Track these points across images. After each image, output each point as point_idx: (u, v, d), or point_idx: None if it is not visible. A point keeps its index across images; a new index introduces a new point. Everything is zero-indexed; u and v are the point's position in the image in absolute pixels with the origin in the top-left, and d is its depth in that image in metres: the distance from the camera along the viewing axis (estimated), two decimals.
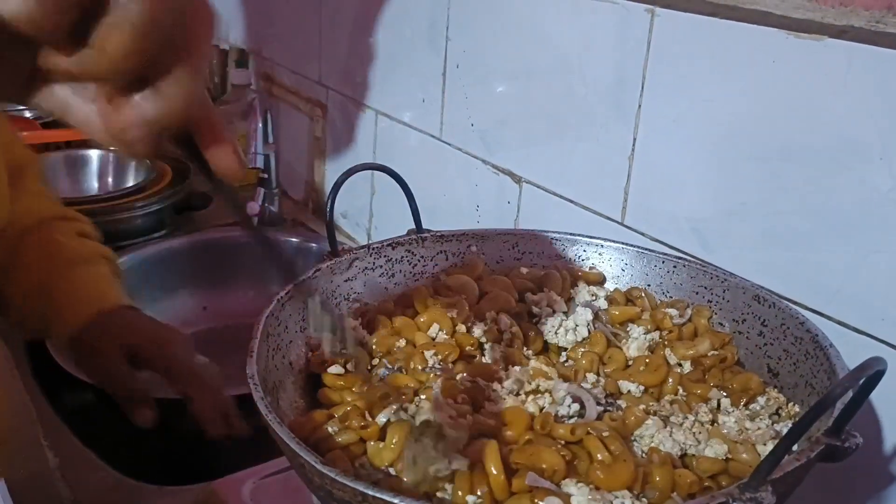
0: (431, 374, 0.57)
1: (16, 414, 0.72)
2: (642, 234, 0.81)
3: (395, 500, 0.40)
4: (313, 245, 1.29)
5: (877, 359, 0.38)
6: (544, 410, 0.54)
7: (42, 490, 0.79)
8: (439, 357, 0.59)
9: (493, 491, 0.46)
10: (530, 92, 0.92)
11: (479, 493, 0.46)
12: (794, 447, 0.46)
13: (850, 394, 0.41)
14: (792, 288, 0.67)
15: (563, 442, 0.51)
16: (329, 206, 0.65)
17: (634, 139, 0.80)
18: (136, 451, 0.93)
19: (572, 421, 0.53)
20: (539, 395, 0.56)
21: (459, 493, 0.46)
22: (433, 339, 0.62)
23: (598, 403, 0.56)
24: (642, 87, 0.78)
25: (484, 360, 0.60)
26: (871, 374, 0.38)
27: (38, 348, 0.96)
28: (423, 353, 0.59)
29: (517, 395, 0.56)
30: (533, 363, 0.61)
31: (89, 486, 0.81)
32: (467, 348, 0.61)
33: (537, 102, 0.92)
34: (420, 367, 0.58)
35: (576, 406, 0.55)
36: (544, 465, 0.48)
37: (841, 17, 0.63)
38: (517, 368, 0.59)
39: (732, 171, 0.71)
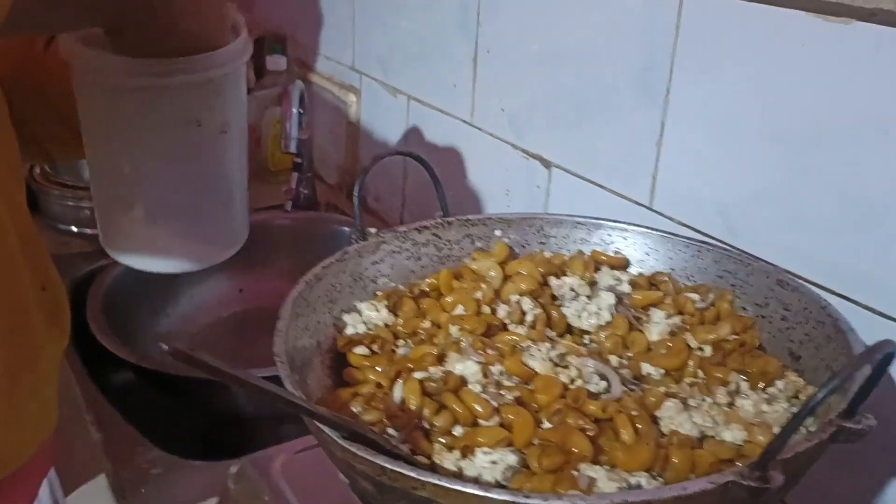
0: (454, 345, 0.58)
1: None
2: (670, 218, 0.81)
3: (412, 473, 0.41)
4: (346, 228, 1.31)
5: (888, 341, 0.38)
6: (576, 385, 0.56)
7: (85, 463, 0.82)
8: (466, 330, 0.60)
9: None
10: (560, 76, 0.93)
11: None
12: (812, 429, 0.47)
13: (863, 376, 0.42)
14: (818, 272, 0.67)
15: (592, 418, 0.52)
16: (357, 190, 0.66)
17: (663, 123, 0.80)
18: (175, 428, 0.96)
19: (602, 398, 0.55)
20: (565, 369, 0.57)
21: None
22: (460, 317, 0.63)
23: (623, 382, 0.57)
24: (671, 71, 0.78)
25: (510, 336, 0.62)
26: (882, 356, 0.38)
27: (83, 329, 0.99)
28: (448, 327, 0.61)
29: (548, 361, 0.57)
30: (566, 341, 0.62)
31: (130, 461, 0.84)
32: (493, 326, 0.63)
33: (566, 87, 0.92)
34: (445, 341, 0.60)
35: (603, 384, 0.56)
36: (575, 449, 0.49)
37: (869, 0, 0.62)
38: (547, 345, 0.60)
39: (759, 155, 0.71)
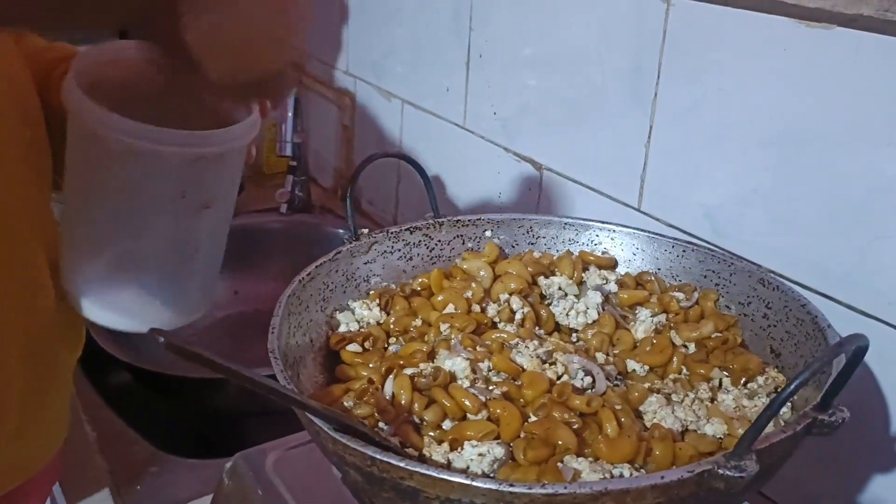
0: (444, 342, 0.60)
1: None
2: (658, 219, 0.82)
3: (400, 464, 0.43)
4: (341, 230, 1.32)
5: (859, 335, 0.40)
6: (561, 380, 0.57)
7: (81, 462, 0.83)
8: (456, 328, 0.61)
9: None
10: (550, 81, 0.94)
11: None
12: (787, 421, 0.48)
13: (837, 369, 0.43)
14: (802, 273, 0.68)
15: (576, 412, 0.53)
16: (348, 192, 0.68)
17: (651, 127, 0.82)
18: (169, 426, 0.97)
19: (587, 393, 0.56)
20: (552, 366, 0.58)
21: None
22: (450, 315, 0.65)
23: (608, 378, 0.58)
24: (658, 76, 0.80)
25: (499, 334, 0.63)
26: (855, 348, 0.40)
27: None
28: (438, 325, 0.62)
29: (535, 358, 0.59)
30: (554, 338, 0.63)
31: (125, 459, 0.85)
32: (483, 324, 0.64)
33: (557, 91, 0.93)
34: (435, 339, 0.61)
35: (588, 379, 0.57)
36: (560, 441, 0.50)
37: (851, 5, 0.64)
38: (535, 342, 0.61)
39: (744, 158, 0.73)
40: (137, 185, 0.54)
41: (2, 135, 0.54)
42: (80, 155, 0.56)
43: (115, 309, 0.60)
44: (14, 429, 0.57)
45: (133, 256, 0.59)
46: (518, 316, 0.65)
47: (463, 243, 0.74)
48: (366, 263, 0.70)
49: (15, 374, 0.57)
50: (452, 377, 0.56)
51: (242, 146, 0.55)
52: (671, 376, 0.59)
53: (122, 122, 0.50)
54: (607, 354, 0.62)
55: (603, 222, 0.74)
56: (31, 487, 0.64)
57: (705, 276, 0.68)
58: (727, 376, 0.58)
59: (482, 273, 0.70)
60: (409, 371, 0.57)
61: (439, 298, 0.67)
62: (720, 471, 0.40)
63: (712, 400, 0.56)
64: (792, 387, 0.38)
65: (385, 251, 0.71)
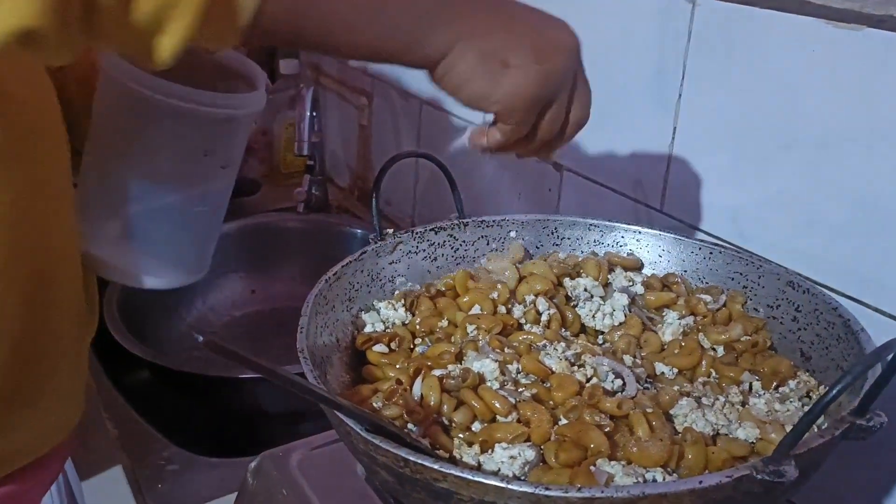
0: (472, 343, 0.60)
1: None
2: (681, 221, 0.82)
3: (434, 466, 0.42)
4: (358, 230, 1.33)
5: None
6: (592, 383, 0.57)
7: (103, 459, 0.84)
8: (483, 329, 0.61)
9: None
10: None
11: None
12: (823, 427, 0.48)
13: (874, 374, 0.43)
14: (828, 275, 0.68)
15: (607, 415, 0.53)
16: (375, 190, 0.68)
17: (674, 128, 0.81)
18: (190, 425, 0.97)
19: (617, 396, 0.56)
20: (581, 368, 0.58)
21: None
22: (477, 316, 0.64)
23: (638, 381, 0.58)
24: (683, 77, 0.79)
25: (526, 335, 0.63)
26: (894, 353, 0.39)
27: (99, 327, 1.00)
28: (465, 326, 0.62)
29: (564, 360, 0.58)
30: (581, 340, 0.63)
31: (146, 457, 0.85)
32: (509, 325, 0.64)
33: None
34: (462, 340, 0.61)
35: (619, 382, 0.57)
36: (591, 444, 0.50)
37: (880, 6, 0.63)
38: (562, 344, 0.61)
39: (770, 160, 0.72)
40: (169, 142, 0.58)
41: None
42: (114, 117, 0.59)
43: (136, 265, 0.63)
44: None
45: (145, 209, 0.62)
46: (544, 317, 0.65)
47: (487, 244, 0.74)
48: (391, 263, 0.69)
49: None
50: (481, 379, 0.56)
51: (258, 112, 0.60)
52: (700, 379, 0.59)
53: (167, 85, 0.54)
54: (634, 357, 0.62)
55: (628, 224, 0.73)
56: (40, 466, 0.65)
57: (732, 279, 0.68)
58: (757, 380, 0.58)
59: (507, 274, 0.69)
60: (437, 372, 0.56)
61: (465, 299, 0.66)
62: (759, 476, 0.40)
63: (743, 404, 0.55)
64: (835, 391, 0.38)
65: (410, 251, 0.71)
